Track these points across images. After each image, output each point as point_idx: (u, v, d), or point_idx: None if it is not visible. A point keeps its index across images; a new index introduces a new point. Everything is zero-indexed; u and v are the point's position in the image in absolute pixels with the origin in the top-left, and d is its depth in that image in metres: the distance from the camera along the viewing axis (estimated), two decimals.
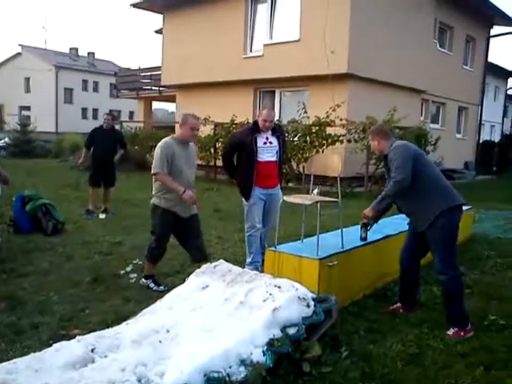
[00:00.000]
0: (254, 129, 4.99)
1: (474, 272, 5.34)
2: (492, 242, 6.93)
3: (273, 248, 4.34)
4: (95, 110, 44.33)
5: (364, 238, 4.28)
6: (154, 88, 21.47)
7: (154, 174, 4.46)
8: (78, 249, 6.06)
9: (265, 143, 4.96)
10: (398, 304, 4.12)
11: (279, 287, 3.49)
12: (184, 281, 4.44)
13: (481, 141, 21.65)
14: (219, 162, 14.50)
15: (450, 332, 3.64)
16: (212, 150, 14.56)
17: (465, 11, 18.11)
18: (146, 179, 13.60)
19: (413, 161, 3.69)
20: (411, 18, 14.74)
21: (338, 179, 4.62)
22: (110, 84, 43.02)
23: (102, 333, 3.08)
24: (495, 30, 20.81)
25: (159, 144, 4.48)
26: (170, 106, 38.74)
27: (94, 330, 3.20)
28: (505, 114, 30.10)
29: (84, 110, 44.56)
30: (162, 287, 4.62)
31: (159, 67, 19.39)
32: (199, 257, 4.58)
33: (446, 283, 3.74)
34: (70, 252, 5.88)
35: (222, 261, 4.04)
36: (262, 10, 15.08)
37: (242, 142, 4.96)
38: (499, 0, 18.46)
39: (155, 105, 30.77)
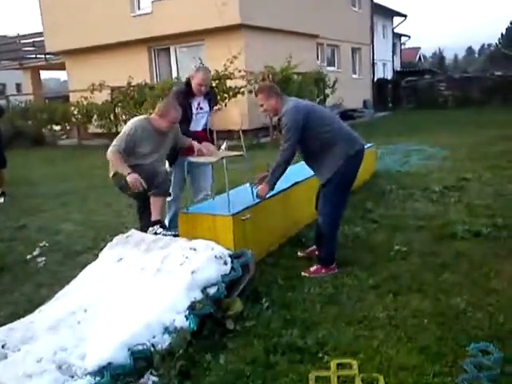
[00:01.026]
0: (188, 92, 4.42)
1: (379, 207, 5.63)
2: (393, 176, 7.33)
3: (184, 210, 4.28)
4: None
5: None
6: (39, 56, 19.92)
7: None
8: None
9: (197, 108, 4.52)
10: (313, 247, 4.20)
11: (195, 249, 3.47)
12: (97, 256, 4.31)
13: (375, 79, 22.57)
14: (120, 128, 13.96)
15: (312, 268, 3.82)
16: (112, 117, 13.93)
17: None
18: (44, 155, 13.00)
19: (304, 121, 3.66)
20: None
21: (241, 132, 4.59)
22: None
23: (13, 325, 2.90)
24: None
25: (131, 122, 4.15)
26: (62, 75, 36.29)
27: (5, 324, 3.01)
28: (394, 52, 31.48)
29: None
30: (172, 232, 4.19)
31: (42, 33, 17.97)
32: None
33: (321, 225, 3.86)
34: None
35: (133, 230, 3.93)
36: None
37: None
38: None
39: (45, 74, 28.74)
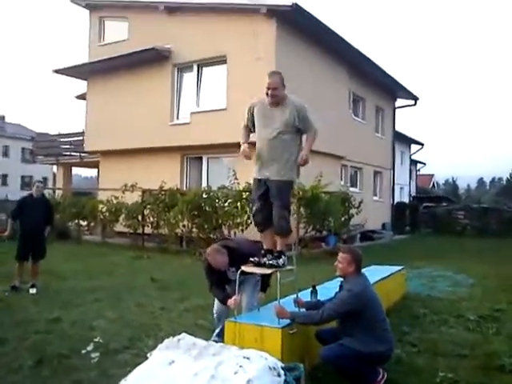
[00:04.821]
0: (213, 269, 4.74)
1: (414, 330, 5.61)
2: (424, 300, 7.32)
3: (232, 319, 4.32)
4: (4, 176, 42.23)
5: None
6: (74, 154, 20.99)
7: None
8: (10, 330, 5.54)
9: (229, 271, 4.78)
10: None
11: (248, 358, 3.47)
12: (136, 356, 4.31)
13: (394, 203, 23.13)
14: (147, 230, 14.29)
15: None
16: (140, 218, 14.31)
17: (373, 85, 19.94)
18: (70, 249, 13.20)
19: (357, 306, 3.88)
20: (330, 90, 15.93)
21: (294, 245, 4.77)
22: (23, 149, 41.54)
23: None
24: (399, 102, 23.09)
25: None
26: (85, 171, 38.19)
27: None
28: (410, 177, 32.59)
29: None
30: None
31: (81, 133, 19.19)
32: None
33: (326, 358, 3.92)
34: (2, 334, 5.35)
35: (184, 334, 3.95)
36: (189, 78, 15.56)
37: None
38: (401, 76, 20.55)
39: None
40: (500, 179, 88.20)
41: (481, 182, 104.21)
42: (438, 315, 6.33)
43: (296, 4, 12.55)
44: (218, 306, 4.95)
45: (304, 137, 4.59)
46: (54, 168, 24.94)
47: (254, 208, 4.65)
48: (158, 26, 15.67)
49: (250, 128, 4.72)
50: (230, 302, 4.50)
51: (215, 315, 5.02)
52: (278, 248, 4.50)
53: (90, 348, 4.71)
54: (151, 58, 15.47)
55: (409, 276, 9.33)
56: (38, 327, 5.65)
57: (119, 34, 16.79)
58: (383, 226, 20.84)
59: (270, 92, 4.40)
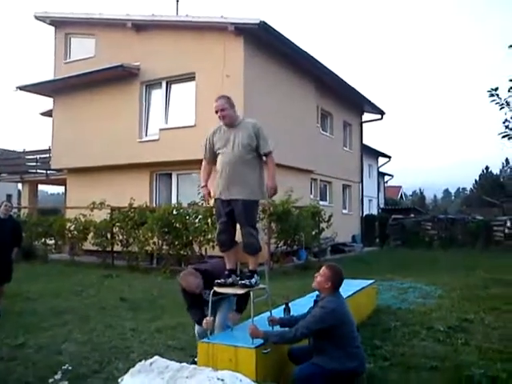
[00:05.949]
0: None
1: (386, 343, 5.64)
2: (395, 313, 7.39)
3: (205, 340, 4.27)
4: None
5: None
6: (40, 171, 20.57)
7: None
8: None
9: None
10: None
11: (222, 380, 3.44)
12: (106, 380, 4.20)
13: (363, 215, 23.46)
14: (117, 247, 14.05)
15: None
16: (108, 235, 14.06)
17: (341, 100, 20.31)
18: (36, 269, 12.85)
19: (333, 323, 3.88)
20: (298, 105, 16.14)
21: (266, 261, 4.77)
22: None
23: None
24: (366, 116, 23.57)
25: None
26: (51, 188, 37.39)
27: None
28: (379, 189, 33.13)
29: None
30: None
31: (46, 150, 18.84)
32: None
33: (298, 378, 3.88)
34: None
35: (157, 357, 3.88)
36: (157, 95, 15.50)
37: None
38: (367, 91, 21.06)
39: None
40: (464, 189, 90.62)
41: (446, 192, 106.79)
42: (409, 327, 6.39)
43: (263, 22, 12.72)
44: (197, 327, 4.90)
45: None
46: (19, 185, 24.44)
47: (218, 228, 4.65)
48: (125, 43, 15.60)
49: (211, 161, 4.81)
50: (203, 323, 4.47)
51: (196, 336, 4.94)
52: (250, 267, 4.50)
53: (57, 376, 4.56)
54: (119, 75, 15.35)
55: (380, 288, 9.45)
56: (1, 354, 5.45)
57: (86, 51, 16.63)
58: (353, 238, 21.10)
59: (219, 114, 4.58)
